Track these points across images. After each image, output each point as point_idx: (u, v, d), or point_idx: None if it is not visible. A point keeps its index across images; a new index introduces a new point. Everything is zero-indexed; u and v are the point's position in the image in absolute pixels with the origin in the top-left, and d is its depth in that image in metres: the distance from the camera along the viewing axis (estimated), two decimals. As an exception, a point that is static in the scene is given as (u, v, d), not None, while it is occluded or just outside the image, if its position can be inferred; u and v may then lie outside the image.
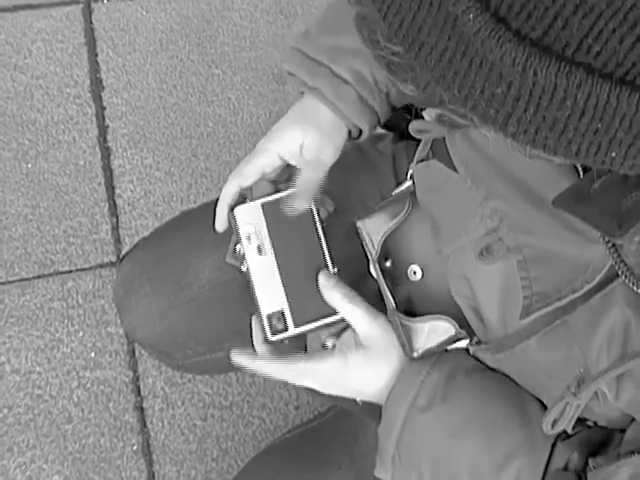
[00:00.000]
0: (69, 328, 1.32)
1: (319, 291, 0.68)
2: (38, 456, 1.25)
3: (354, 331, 0.68)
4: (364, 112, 0.72)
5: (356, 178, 0.83)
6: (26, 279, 1.35)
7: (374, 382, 0.67)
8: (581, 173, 0.55)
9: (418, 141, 0.84)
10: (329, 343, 0.69)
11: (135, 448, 1.26)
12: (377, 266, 0.68)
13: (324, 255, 0.71)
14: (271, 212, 0.70)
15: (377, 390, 0.67)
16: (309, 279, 0.69)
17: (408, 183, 0.70)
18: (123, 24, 1.55)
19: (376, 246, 0.68)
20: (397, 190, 0.71)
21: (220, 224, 0.72)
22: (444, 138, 0.64)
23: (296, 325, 0.68)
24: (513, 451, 0.61)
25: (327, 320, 0.69)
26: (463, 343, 0.65)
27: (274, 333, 0.68)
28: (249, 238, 0.68)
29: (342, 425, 0.89)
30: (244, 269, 0.69)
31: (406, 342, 0.65)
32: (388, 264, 0.70)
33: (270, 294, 0.68)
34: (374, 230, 0.68)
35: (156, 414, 1.28)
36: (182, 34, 1.56)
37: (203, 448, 1.27)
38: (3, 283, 1.35)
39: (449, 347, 0.66)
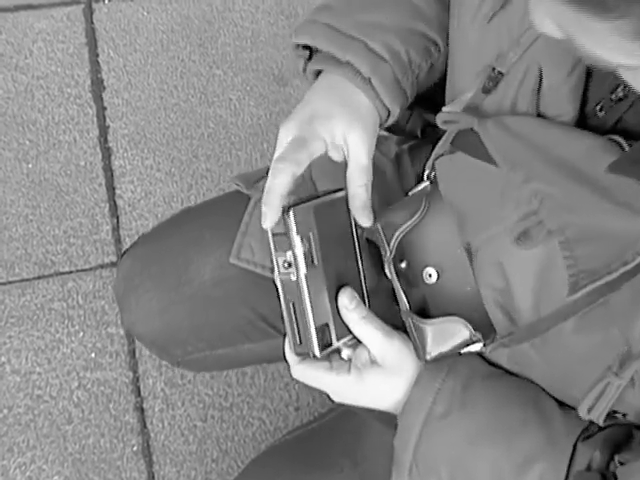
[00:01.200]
0: (69, 329, 1.32)
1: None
2: (38, 456, 1.25)
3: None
4: (397, 94, 0.69)
5: None
6: (26, 279, 1.35)
7: (390, 395, 0.67)
8: (626, 148, 0.54)
9: (424, 142, 0.84)
10: (344, 355, 0.68)
11: (135, 449, 1.27)
12: (392, 267, 0.66)
13: (359, 267, 0.68)
14: (320, 217, 0.64)
15: (393, 403, 0.67)
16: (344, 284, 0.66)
17: (425, 183, 0.68)
18: (124, 24, 1.55)
19: (391, 246, 0.66)
20: (414, 190, 0.69)
21: (272, 219, 0.62)
22: (471, 129, 0.62)
23: (337, 338, 0.65)
24: (534, 454, 0.60)
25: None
26: (477, 347, 0.64)
27: (322, 348, 0.64)
28: (303, 245, 0.62)
29: (343, 426, 0.89)
30: (293, 278, 0.62)
31: (419, 345, 0.65)
32: (403, 265, 0.69)
33: (318, 306, 0.63)
34: (389, 230, 0.66)
35: (156, 415, 1.28)
36: (183, 35, 1.56)
37: (203, 449, 1.27)
38: (3, 283, 1.35)
39: (462, 350, 0.65)
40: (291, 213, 0.61)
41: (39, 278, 1.36)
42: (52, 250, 1.38)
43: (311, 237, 0.62)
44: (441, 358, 0.65)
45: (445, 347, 0.64)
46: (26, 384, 1.29)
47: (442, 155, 0.67)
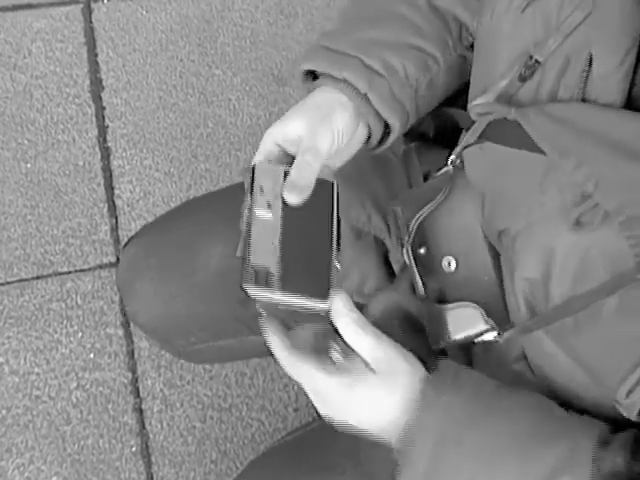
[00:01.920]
0: (68, 329, 1.32)
1: (314, 272, 0.62)
2: (37, 457, 1.25)
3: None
4: (395, 108, 0.69)
5: (368, 178, 0.82)
6: (25, 280, 1.35)
7: (383, 412, 0.62)
8: None
9: (432, 142, 0.84)
10: (334, 358, 0.65)
11: (134, 450, 1.26)
12: (410, 251, 0.66)
13: (331, 235, 0.65)
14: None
15: (385, 423, 0.62)
16: (309, 256, 0.63)
17: (447, 168, 0.68)
18: (123, 24, 1.55)
19: (411, 228, 0.65)
20: (436, 174, 0.69)
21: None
22: (505, 119, 0.62)
23: (280, 289, 0.62)
24: (558, 468, 0.57)
25: (311, 303, 0.62)
26: (490, 336, 0.63)
27: (257, 282, 0.61)
28: (262, 192, 0.62)
29: None
30: (243, 219, 0.63)
31: (434, 331, 0.63)
32: (422, 251, 0.68)
33: (263, 250, 0.62)
34: (409, 212, 0.66)
35: (155, 416, 1.28)
36: (182, 34, 1.55)
37: (202, 450, 1.27)
38: (2, 284, 1.34)
39: (477, 340, 0.64)
40: (256, 165, 0.64)
41: (38, 278, 1.35)
42: (51, 250, 1.38)
43: (275, 191, 0.63)
44: (454, 345, 0.63)
45: (459, 335, 0.63)
46: (25, 385, 1.29)
47: (469, 145, 0.66)
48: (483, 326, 0.63)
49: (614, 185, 0.55)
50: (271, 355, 0.67)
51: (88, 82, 1.50)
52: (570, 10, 0.60)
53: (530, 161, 0.60)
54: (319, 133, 0.66)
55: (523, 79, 0.63)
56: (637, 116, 0.56)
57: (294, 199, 0.63)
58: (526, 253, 0.61)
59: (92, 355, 1.31)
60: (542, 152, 0.59)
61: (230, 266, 0.83)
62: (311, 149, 0.65)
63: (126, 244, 0.93)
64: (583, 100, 0.59)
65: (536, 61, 0.61)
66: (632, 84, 0.58)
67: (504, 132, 0.63)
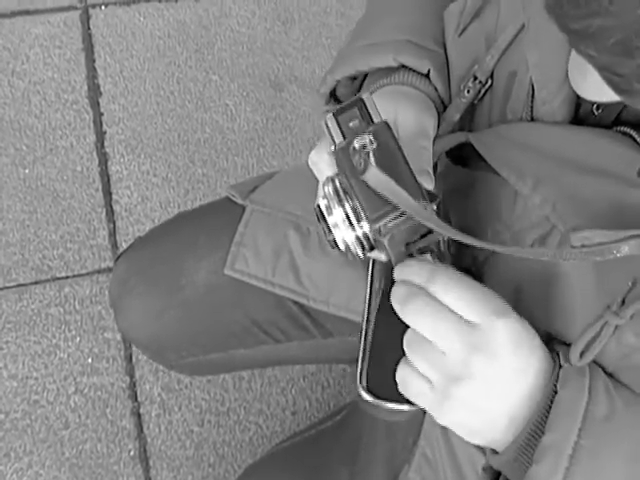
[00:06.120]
0: (66, 334, 1.33)
1: None
2: (35, 462, 1.25)
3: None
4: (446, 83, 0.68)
5: None
6: (23, 285, 1.35)
7: (524, 378, 0.50)
8: (638, 139, 0.53)
9: None
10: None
11: (132, 454, 1.27)
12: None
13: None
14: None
15: (526, 393, 0.50)
16: None
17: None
18: (121, 30, 1.56)
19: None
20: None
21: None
22: (466, 144, 0.62)
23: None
24: None
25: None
26: None
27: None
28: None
29: (343, 435, 0.87)
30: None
31: None
32: None
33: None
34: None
35: (153, 420, 1.29)
36: (179, 40, 1.56)
37: (200, 454, 1.27)
38: (0, 289, 1.35)
39: None
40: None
41: (36, 283, 1.36)
42: (49, 255, 1.38)
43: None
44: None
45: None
46: (23, 389, 1.29)
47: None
48: None
49: (569, 206, 0.54)
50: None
51: (86, 88, 1.51)
52: (503, 25, 0.60)
53: (490, 183, 0.60)
54: (424, 116, 0.62)
55: (472, 103, 0.63)
56: (589, 131, 0.56)
57: (430, 183, 0.57)
58: (494, 277, 0.60)
59: (90, 360, 1.31)
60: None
61: (218, 280, 0.84)
62: (421, 133, 0.61)
63: (117, 259, 0.93)
64: (532, 120, 0.59)
65: (480, 81, 0.62)
66: (578, 103, 0.57)
67: (470, 156, 0.62)
